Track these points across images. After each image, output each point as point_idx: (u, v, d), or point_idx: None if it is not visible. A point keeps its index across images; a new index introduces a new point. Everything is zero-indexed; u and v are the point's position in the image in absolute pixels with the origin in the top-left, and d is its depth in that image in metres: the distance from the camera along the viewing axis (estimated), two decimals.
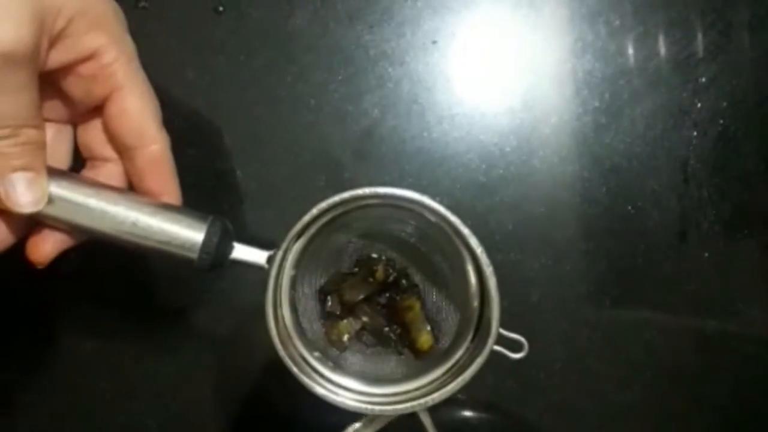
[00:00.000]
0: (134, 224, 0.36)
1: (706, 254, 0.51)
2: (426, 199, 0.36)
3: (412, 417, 0.39)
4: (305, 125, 0.51)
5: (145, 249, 0.37)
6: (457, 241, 0.38)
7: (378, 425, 0.40)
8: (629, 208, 0.51)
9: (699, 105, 0.51)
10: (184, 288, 0.51)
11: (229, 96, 0.51)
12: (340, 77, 0.51)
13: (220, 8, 0.51)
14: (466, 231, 0.36)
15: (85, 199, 0.36)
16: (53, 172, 0.36)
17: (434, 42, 0.51)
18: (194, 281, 0.51)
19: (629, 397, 0.51)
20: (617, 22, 0.51)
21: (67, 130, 0.41)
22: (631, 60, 0.51)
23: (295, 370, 0.37)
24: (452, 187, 0.51)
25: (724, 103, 0.51)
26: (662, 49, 0.51)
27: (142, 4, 0.50)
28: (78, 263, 0.49)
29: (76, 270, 0.50)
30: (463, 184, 0.51)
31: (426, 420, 0.39)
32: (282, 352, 0.37)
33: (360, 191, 0.36)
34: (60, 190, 0.36)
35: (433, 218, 0.38)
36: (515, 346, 0.38)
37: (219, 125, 0.51)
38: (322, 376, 0.39)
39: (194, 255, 0.37)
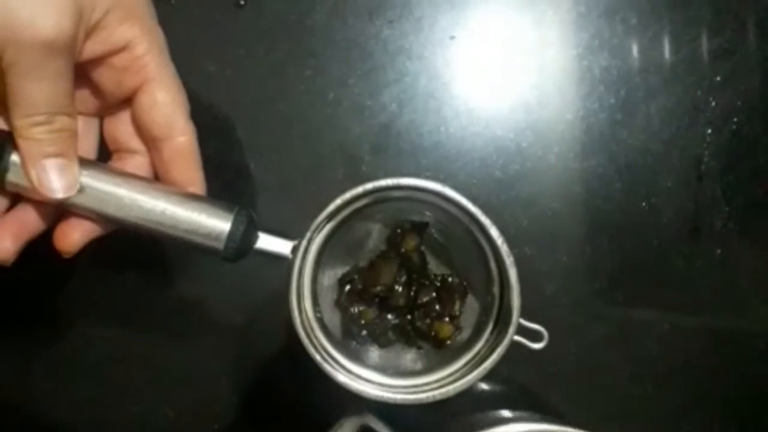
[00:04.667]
0: (162, 213, 0.37)
1: (719, 251, 0.52)
2: (447, 190, 0.37)
3: None
4: (324, 119, 0.51)
5: (172, 238, 0.37)
6: (477, 233, 0.38)
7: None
8: (643, 204, 0.52)
9: (713, 103, 0.52)
10: (201, 277, 0.52)
11: (249, 89, 0.51)
12: (358, 71, 0.51)
13: (242, 2, 0.51)
14: (486, 222, 0.37)
15: (114, 188, 0.37)
16: (83, 162, 0.37)
17: (452, 37, 0.52)
18: (211, 271, 0.51)
19: (641, 391, 0.51)
20: (634, 20, 0.51)
21: (94, 123, 0.41)
22: (647, 58, 0.51)
23: (318, 358, 0.38)
24: (468, 181, 0.51)
25: (738, 102, 0.52)
26: (677, 48, 0.52)
27: None
28: (95, 253, 0.50)
29: (92, 259, 0.50)
30: (479, 178, 0.51)
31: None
32: (305, 341, 0.38)
33: (383, 182, 0.37)
34: (90, 178, 0.36)
35: (453, 210, 0.38)
36: (535, 337, 0.39)
37: (239, 118, 0.51)
38: (343, 367, 0.40)
39: (221, 244, 0.37)
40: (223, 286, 0.52)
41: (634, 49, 0.51)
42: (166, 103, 0.38)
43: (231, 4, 0.51)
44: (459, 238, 0.41)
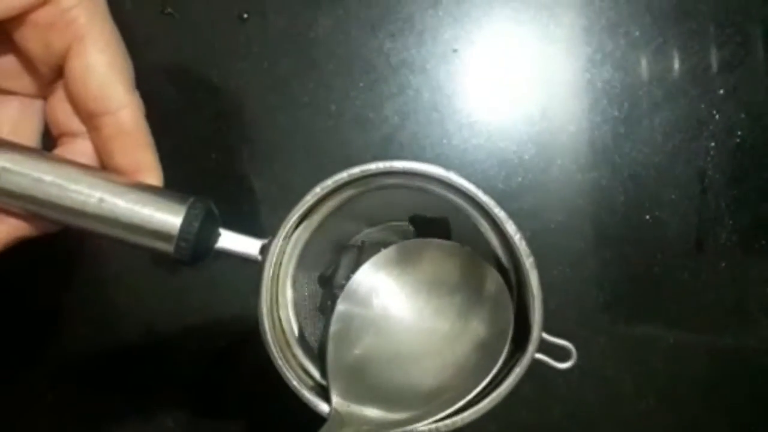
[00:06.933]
0: (99, 205, 0.30)
1: (723, 264, 0.51)
2: (453, 176, 0.31)
3: None
4: (326, 131, 0.51)
5: (113, 237, 0.30)
6: (489, 230, 0.32)
7: None
8: (647, 217, 0.51)
9: (717, 116, 0.51)
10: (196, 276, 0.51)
11: (252, 101, 0.52)
12: (361, 84, 0.52)
13: (245, 15, 0.52)
14: (502, 214, 0.31)
15: (40, 174, 0.30)
16: (4, 144, 0.31)
17: (455, 50, 0.52)
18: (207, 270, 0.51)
19: (644, 405, 0.51)
20: (637, 33, 0.51)
21: (35, 106, 0.34)
22: (650, 71, 0.51)
23: (294, 383, 0.31)
24: None
25: (742, 115, 0.51)
26: (681, 61, 0.51)
27: (168, 10, 0.51)
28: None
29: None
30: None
31: None
32: (279, 362, 0.31)
33: (373, 165, 0.31)
34: (10, 163, 0.30)
35: (459, 202, 0.32)
36: (561, 354, 0.33)
37: (242, 130, 0.51)
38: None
39: (170, 243, 0.30)
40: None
41: (637, 63, 0.51)
42: (100, 67, 0.31)
43: (234, 16, 0.51)
44: (464, 236, 0.34)
